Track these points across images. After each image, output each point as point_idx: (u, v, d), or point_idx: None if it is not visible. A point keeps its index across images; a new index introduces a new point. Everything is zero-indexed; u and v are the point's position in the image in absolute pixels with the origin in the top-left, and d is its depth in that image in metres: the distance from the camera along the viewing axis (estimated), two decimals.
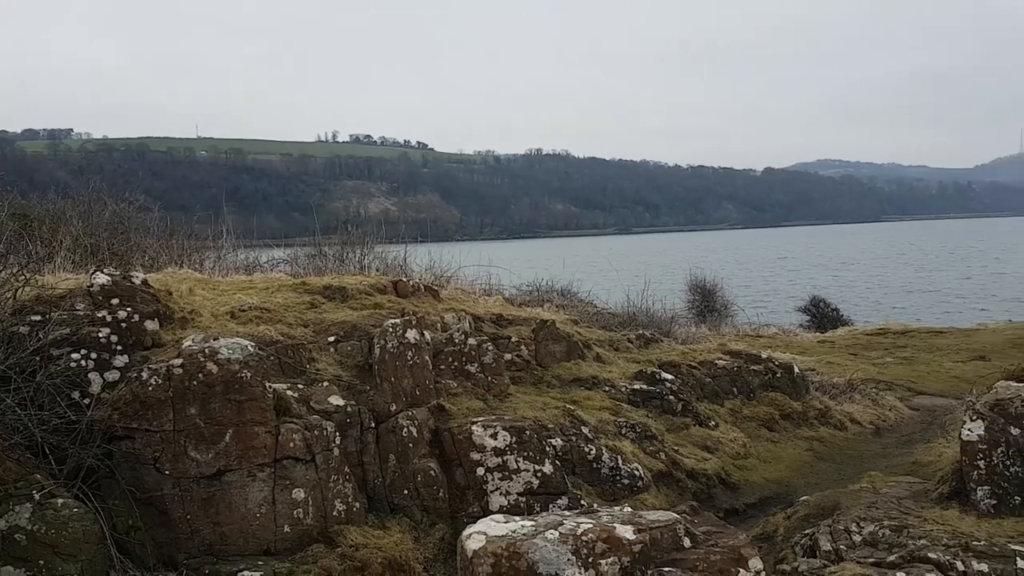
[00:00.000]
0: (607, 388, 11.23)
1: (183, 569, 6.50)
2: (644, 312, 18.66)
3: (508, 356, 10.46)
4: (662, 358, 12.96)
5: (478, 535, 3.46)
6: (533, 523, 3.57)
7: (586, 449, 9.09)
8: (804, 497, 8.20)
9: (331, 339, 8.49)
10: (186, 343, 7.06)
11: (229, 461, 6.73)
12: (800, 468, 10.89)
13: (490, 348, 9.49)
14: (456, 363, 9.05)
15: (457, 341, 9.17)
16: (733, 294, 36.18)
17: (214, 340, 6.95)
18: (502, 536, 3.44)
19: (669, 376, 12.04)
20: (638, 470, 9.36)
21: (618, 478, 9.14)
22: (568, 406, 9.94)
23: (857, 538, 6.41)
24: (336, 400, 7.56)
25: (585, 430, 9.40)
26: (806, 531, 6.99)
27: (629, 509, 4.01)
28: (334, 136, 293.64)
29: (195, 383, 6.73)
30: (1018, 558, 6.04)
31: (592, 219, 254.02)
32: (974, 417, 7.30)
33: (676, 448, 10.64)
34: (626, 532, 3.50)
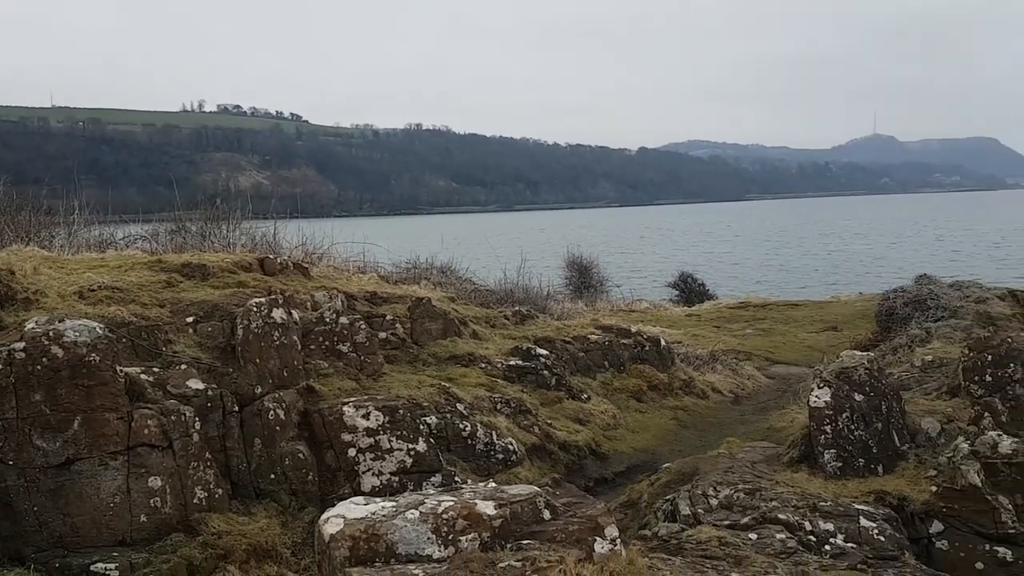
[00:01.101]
0: (483, 365, 11.29)
1: (31, 563, 6.09)
2: (522, 289, 18.88)
3: (383, 335, 10.32)
4: (537, 334, 13.15)
5: (336, 518, 3.38)
6: (394, 503, 3.53)
7: (461, 426, 9.11)
8: (667, 464, 8.52)
9: (190, 320, 8.11)
10: (29, 325, 6.57)
11: (79, 450, 6.33)
12: (666, 436, 11.34)
13: (363, 327, 9.32)
14: (327, 343, 8.84)
15: (328, 320, 8.96)
16: (608, 270, 37.17)
17: (59, 322, 6.49)
18: (361, 518, 3.38)
19: (544, 351, 12.23)
20: (512, 444, 9.47)
21: (492, 453, 9.22)
22: (444, 383, 9.93)
23: (714, 502, 6.72)
24: (196, 383, 7.23)
25: (460, 407, 9.42)
26: (668, 497, 7.27)
27: (493, 484, 4.04)
28: (200, 106, 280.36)
29: (39, 368, 6.28)
30: (861, 517, 6.48)
31: (473, 196, 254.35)
32: (821, 385, 7.78)
33: (550, 422, 10.84)
34: (487, 508, 3.52)
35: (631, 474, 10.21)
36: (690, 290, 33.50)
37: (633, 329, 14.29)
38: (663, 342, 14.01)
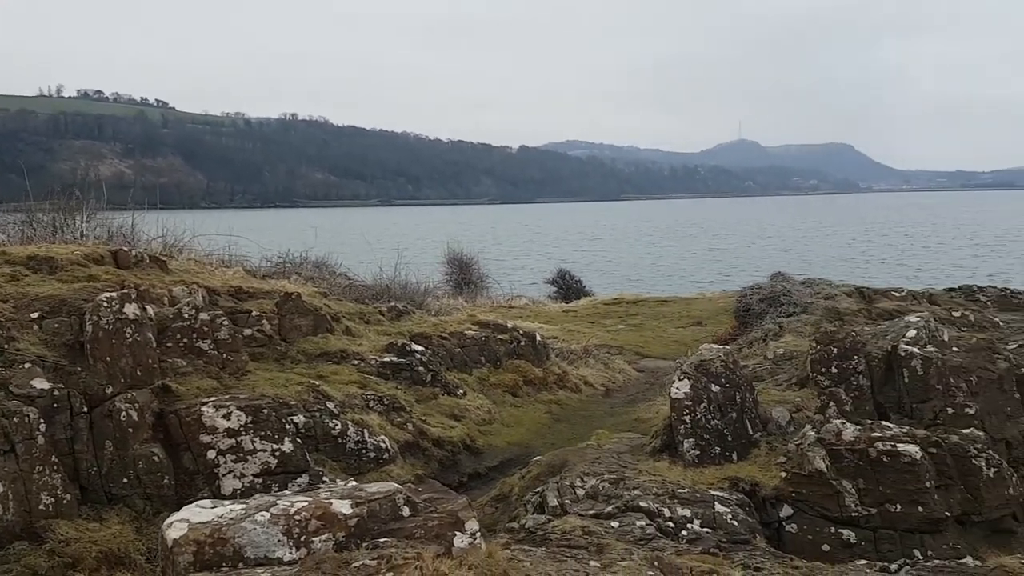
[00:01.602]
0: (356, 362, 11.09)
1: None
2: (399, 285, 18.66)
3: (248, 332, 9.95)
4: (413, 330, 13.03)
5: (180, 523, 3.22)
6: (243, 506, 3.39)
7: (331, 424, 8.91)
8: (537, 457, 8.65)
9: (35, 315, 7.56)
10: None
11: None
12: (539, 430, 11.50)
13: (225, 323, 8.96)
14: (185, 340, 8.44)
15: (187, 316, 8.55)
16: (489, 267, 37.39)
17: None
18: (207, 522, 3.24)
19: (420, 348, 12.14)
20: (384, 442, 9.35)
21: (364, 452, 9.07)
22: (313, 381, 9.68)
23: (581, 492, 6.87)
24: (41, 383, 6.76)
25: (331, 405, 9.21)
26: (537, 489, 7.38)
27: (353, 483, 3.96)
28: (59, 91, 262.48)
29: None
30: (716, 503, 6.79)
31: (353, 189, 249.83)
32: (682, 377, 8.10)
33: (424, 418, 10.77)
34: (343, 507, 3.45)
35: (505, 468, 10.29)
36: (568, 287, 34.19)
37: (510, 325, 14.42)
38: (539, 337, 14.20)
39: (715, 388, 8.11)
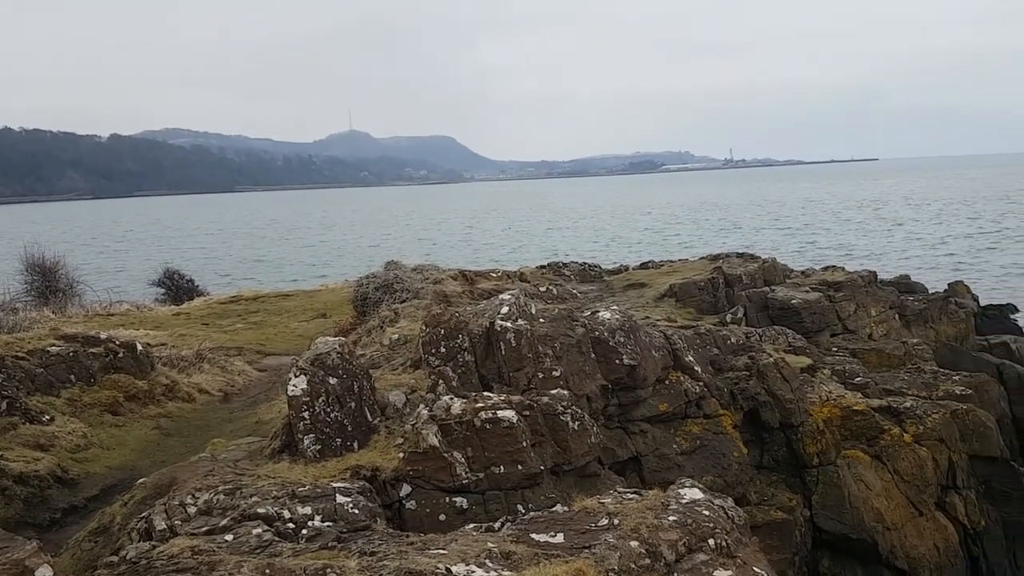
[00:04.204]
0: None
1: None
2: None
3: None
4: None
5: None
6: None
7: None
8: (141, 480, 7.91)
9: None
10: None
11: None
12: (147, 449, 10.53)
13: None
14: None
15: None
16: (82, 271, 33.37)
17: None
18: None
19: None
20: None
21: None
22: None
23: (193, 510, 6.42)
24: None
25: None
26: (143, 514, 6.73)
27: None
28: None
29: None
30: (337, 495, 6.79)
31: None
32: (298, 373, 7.98)
33: (1, 453, 9.27)
34: None
35: (107, 496, 9.26)
36: (178, 287, 31.88)
37: (103, 336, 12.96)
38: (139, 347, 12.96)
39: (332, 380, 8.12)
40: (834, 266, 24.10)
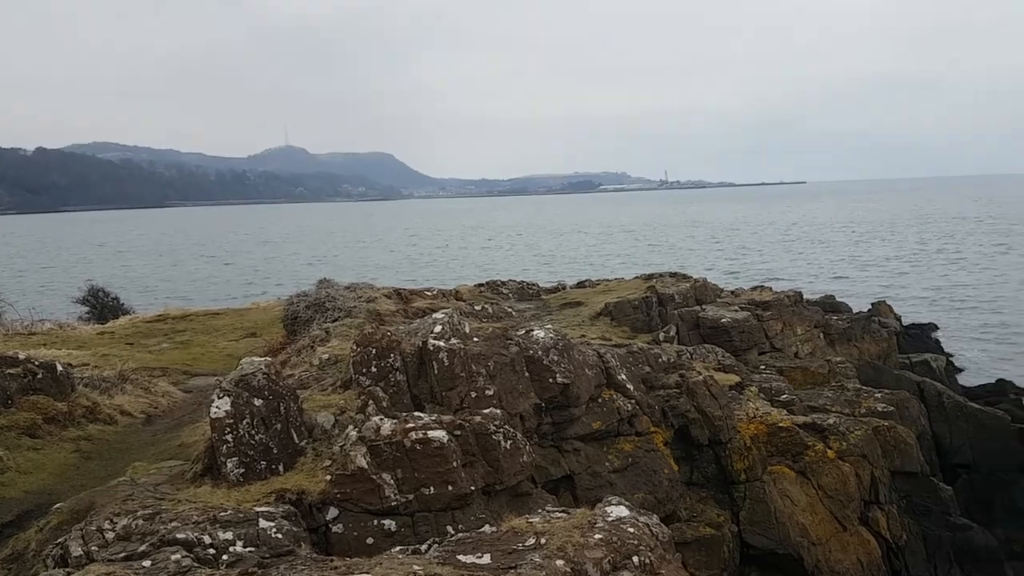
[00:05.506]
0: None
1: None
2: None
3: None
4: None
5: None
6: None
7: None
8: (58, 504, 7.61)
9: None
10: None
11: None
12: (65, 472, 10.13)
13: None
14: None
15: None
16: (1, 288, 32.26)
17: None
18: None
19: None
20: None
21: None
22: None
23: (111, 535, 6.20)
24: None
25: None
26: (59, 540, 6.48)
27: None
28: None
29: None
30: (260, 519, 6.63)
31: None
32: (221, 395, 7.79)
33: None
34: None
35: (23, 522, 8.85)
36: (103, 305, 30.92)
37: (22, 356, 12.46)
38: (59, 367, 12.49)
39: (258, 402, 7.96)
40: (762, 286, 24.78)
